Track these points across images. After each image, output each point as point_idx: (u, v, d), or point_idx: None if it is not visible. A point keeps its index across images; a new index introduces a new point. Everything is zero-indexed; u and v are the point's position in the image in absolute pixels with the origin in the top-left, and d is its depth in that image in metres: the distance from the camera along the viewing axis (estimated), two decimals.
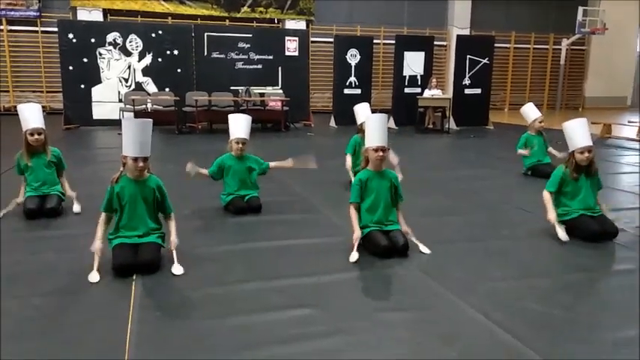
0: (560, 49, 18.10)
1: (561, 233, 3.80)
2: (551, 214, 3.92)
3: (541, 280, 3.12)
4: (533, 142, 6.37)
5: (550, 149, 6.36)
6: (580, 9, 16.97)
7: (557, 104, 18.43)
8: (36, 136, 4.30)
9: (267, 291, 2.91)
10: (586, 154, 3.87)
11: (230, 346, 2.33)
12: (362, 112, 5.60)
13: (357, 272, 3.30)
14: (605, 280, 3.29)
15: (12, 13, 13.52)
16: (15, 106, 12.82)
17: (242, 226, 4.21)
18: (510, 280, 3.12)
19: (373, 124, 3.62)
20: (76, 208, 4.39)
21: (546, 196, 4.02)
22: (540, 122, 6.39)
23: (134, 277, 3.04)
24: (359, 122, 5.59)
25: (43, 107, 4.61)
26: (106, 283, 3.00)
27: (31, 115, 4.31)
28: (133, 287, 2.92)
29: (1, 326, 2.46)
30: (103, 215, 3.26)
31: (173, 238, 3.31)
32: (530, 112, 6.54)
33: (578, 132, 3.91)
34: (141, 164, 3.19)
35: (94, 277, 3.01)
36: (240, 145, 4.54)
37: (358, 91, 12.51)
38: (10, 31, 13.61)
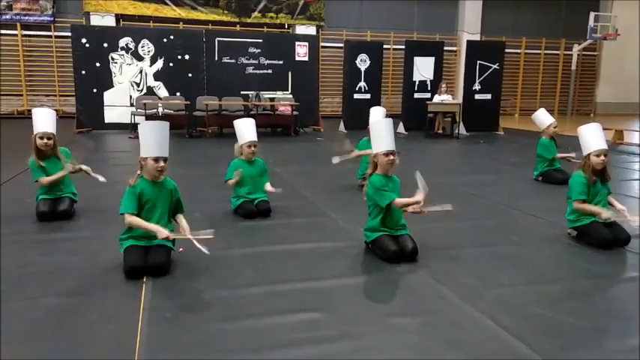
0: (572, 55, 18.01)
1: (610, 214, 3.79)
2: (604, 211, 3.81)
3: (550, 286, 3.11)
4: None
5: (557, 155, 6.33)
6: (592, 14, 16.89)
7: (568, 110, 18.31)
8: (45, 141, 4.33)
9: (275, 295, 2.93)
10: (602, 158, 3.88)
11: (238, 349, 2.35)
12: (376, 114, 5.65)
13: (365, 277, 3.32)
14: (614, 288, 3.26)
15: (26, 18, 13.71)
16: (28, 110, 13.02)
17: (251, 229, 4.23)
18: (519, 286, 3.11)
19: (381, 130, 3.61)
20: (101, 178, 4.43)
21: (580, 205, 3.89)
22: (555, 127, 6.38)
23: (144, 279, 3.07)
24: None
25: (55, 111, 4.67)
26: (116, 285, 3.03)
27: (44, 120, 4.35)
28: (143, 289, 2.95)
29: (12, 327, 2.51)
30: (127, 216, 3.17)
31: (184, 224, 3.34)
32: (544, 117, 6.52)
33: (594, 135, 3.93)
34: (162, 164, 3.25)
35: None
36: (253, 148, 4.57)
37: (368, 96, 12.53)
38: (25, 35, 13.81)
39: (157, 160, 3.23)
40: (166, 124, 3.34)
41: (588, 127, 4.00)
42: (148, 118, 10.06)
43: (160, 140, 3.25)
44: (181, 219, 3.42)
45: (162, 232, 3.15)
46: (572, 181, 4.00)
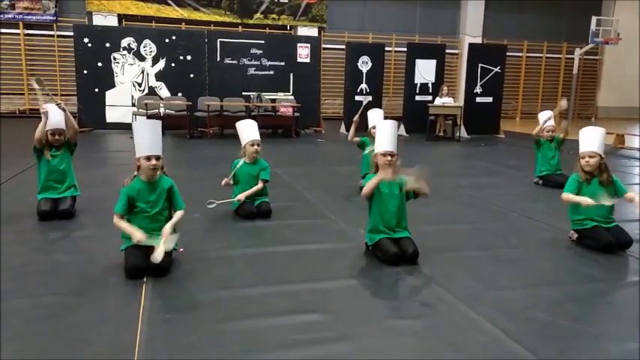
0: (573, 59, 18.00)
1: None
2: (585, 199, 3.81)
3: (550, 290, 3.11)
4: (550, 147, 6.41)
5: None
6: (594, 18, 16.87)
7: (569, 114, 18.28)
8: (57, 137, 4.42)
9: (275, 295, 2.93)
10: (586, 159, 3.93)
11: (238, 350, 2.35)
12: (374, 116, 5.67)
13: (365, 278, 3.32)
14: (615, 292, 3.26)
15: (29, 17, 13.73)
16: (30, 109, 13.03)
17: (251, 230, 4.23)
18: (519, 289, 3.11)
19: (383, 130, 3.65)
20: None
21: (566, 195, 3.95)
22: (549, 131, 6.39)
23: (145, 279, 3.07)
24: (370, 125, 5.66)
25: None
26: (116, 284, 3.03)
27: (54, 117, 4.39)
28: (144, 289, 2.95)
29: (12, 326, 2.51)
30: (116, 217, 3.22)
31: (167, 229, 3.21)
32: (546, 117, 6.50)
33: (584, 138, 4.02)
34: (154, 162, 3.26)
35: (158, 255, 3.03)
36: (256, 147, 4.56)
37: (369, 98, 12.50)
38: (27, 35, 13.82)
39: (148, 158, 3.26)
40: (158, 122, 3.37)
41: (584, 130, 4.07)
42: (150, 118, 10.08)
43: (151, 139, 3.28)
44: (176, 216, 3.37)
45: (135, 235, 3.12)
46: (568, 180, 4.07)
